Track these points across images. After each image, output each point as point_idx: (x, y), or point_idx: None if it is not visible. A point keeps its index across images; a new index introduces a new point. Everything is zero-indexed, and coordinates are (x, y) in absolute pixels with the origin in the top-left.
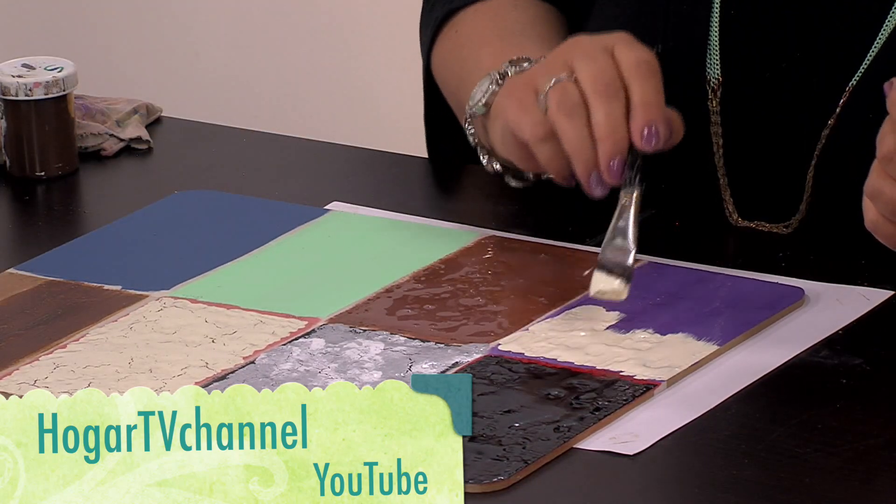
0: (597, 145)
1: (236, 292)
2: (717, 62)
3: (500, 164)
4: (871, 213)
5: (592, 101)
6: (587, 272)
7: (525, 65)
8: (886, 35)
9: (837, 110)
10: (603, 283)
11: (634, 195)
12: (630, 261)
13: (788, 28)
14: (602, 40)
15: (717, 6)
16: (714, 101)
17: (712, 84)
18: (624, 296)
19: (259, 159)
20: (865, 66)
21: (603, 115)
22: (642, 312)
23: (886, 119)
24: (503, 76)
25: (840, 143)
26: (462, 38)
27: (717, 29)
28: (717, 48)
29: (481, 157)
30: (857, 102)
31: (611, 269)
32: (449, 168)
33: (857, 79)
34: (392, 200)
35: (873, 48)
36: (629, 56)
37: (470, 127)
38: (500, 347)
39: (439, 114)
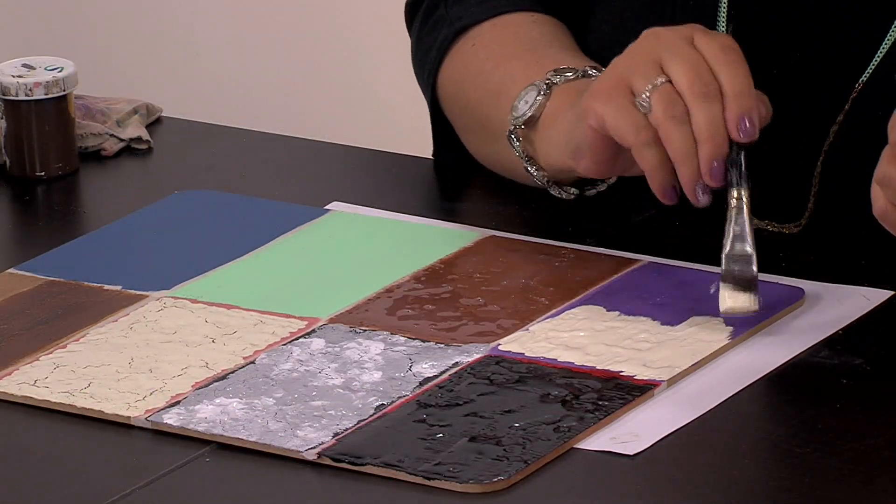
0: (698, 148)
1: (236, 292)
2: None
3: (547, 176)
4: (880, 201)
5: (692, 104)
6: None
7: (568, 74)
8: None
9: (846, 106)
10: (732, 299)
11: (744, 194)
12: (754, 268)
13: (797, 23)
14: (680, 30)
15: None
16: None
17: None
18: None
19: (259, 159)
20: (875, 63)
21: (703, 117)
22: (642, 312)
23: None
24: (549, 86)
25: (848, 140)
26: (482, 52)
27: (724, 24)
28: None
29: (530, 169)
30: (866, 99)
31: (737, 282)
32: (449, 168)
33: (868, 75)
34: (392, 200)
35: (884, 45)
36: (712, 44)
37: (515, 139)
38: (500, 347)
39: (449, 136)
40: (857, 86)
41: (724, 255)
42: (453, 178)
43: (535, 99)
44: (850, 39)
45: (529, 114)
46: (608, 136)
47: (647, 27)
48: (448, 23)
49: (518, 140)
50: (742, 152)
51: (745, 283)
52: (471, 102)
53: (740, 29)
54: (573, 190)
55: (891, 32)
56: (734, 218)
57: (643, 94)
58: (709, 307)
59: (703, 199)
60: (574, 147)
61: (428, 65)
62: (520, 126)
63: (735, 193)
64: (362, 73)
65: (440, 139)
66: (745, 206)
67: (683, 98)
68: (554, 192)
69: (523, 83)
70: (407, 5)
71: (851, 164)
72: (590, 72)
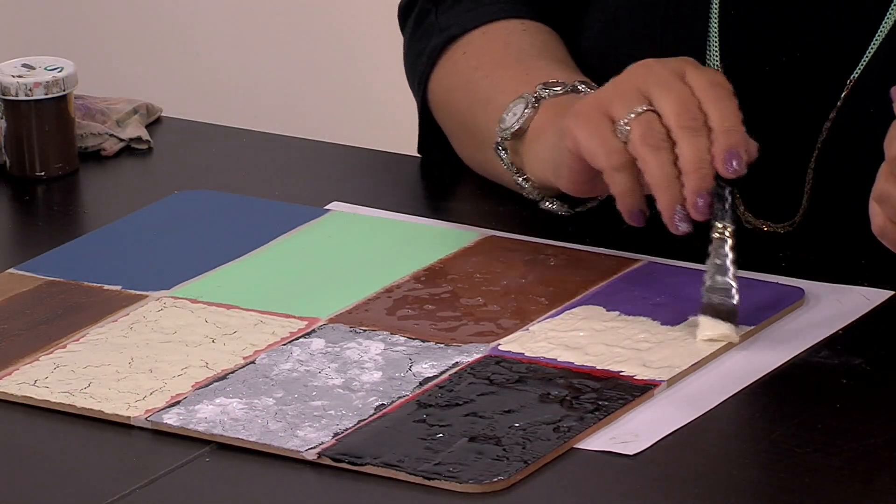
0: (682, 179)
1: (236, 292)
2: (717, 54)
3: (536, 189)
4: (878, 218)
5: (678, 136)
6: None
7: (557, 89)
8: (888, 28)
9: (838, 104)
10: (710, 329)
11: (728, 229)
12: (734, 300)
13: (788, 21)
14: (670, 64)
15: None
16: None
17: None
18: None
19: (259, 159)
20: (867, 60)
21: (689, 149)
22: (642, 312)
23: (894, 123)
24: (538, 99)
25: (841, 137)
26: (473, 61)
27: (716, 20)
28: (716, 39)
29: (520, 182)
30: (858, 96)
31: (716, 313)
32: (448, 168)
33: (859, 72)
34: (392, 200)
35: (874, 41)
36: (702, 79)
37: (502, 150)
38: (500, 347)
39: (437, 142)
40: (849, 82)
41: (704, 287)
42: (453, 178)
43: (523, 112)
44: (843, 35)
45: (517, 126)
46: (584, 157)
47: (640, 23)
48: (438, 30)
49: (505, 152)
50: (727, 187)
51: (724, 314)
52: (460, 110)
53: (733, 28)
54: (565, 207)
55: (882, 26)
56: (717, 251)
57: (623, 122)
58: None
59: (681, 228)
60: (555, 165)
61: (418, 72)
62: (507, 138)
63: (719, 226)
64: (362, 73)
65: (425, 144)
66: (728, 240)
67: (670, 130)
68: (545, 206)
69: (512, 93)
70: (399, 9)
71: (845, 161)
72: (579, 87)
